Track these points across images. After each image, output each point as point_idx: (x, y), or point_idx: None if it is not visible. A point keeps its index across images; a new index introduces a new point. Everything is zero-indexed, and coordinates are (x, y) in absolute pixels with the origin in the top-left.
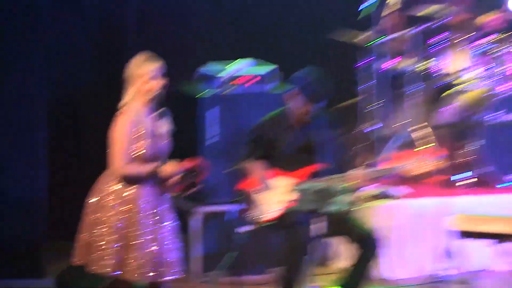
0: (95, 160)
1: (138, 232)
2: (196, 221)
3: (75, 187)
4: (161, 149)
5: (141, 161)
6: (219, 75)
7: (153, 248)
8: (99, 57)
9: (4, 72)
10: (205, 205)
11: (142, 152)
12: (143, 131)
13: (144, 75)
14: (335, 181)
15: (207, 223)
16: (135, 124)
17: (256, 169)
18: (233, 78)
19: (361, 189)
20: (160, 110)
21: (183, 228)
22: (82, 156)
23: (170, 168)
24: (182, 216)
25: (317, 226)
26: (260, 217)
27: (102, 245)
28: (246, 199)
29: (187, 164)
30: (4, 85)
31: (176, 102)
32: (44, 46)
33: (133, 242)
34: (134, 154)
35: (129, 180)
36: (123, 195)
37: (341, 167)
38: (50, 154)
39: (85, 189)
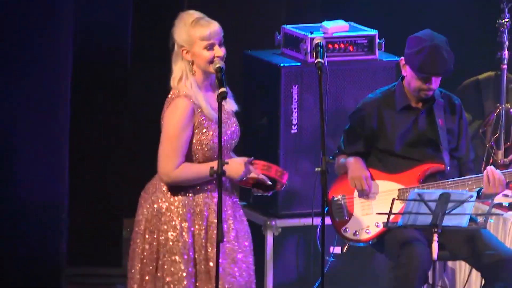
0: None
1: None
2: (269, 239)
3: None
4: (226, 141)
5: (201, 158)
6: (304, 40)
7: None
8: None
9: None
10: (282, 217)
11: (201, 146)
12: (202, 119)
13: (196, 42)
14: (461, 186)
15: (285, 241)
16: (191, 114)
17: (353, 169)
18: (323, 45)
19: (499, 196)
20: (221, 90)
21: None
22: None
23: (238, 167)
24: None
25: (436, 247)
26: (357, 234)
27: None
28: (338, 210)
29: (262, 166)
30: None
31: (247, 77)
32: None
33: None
34: (192, 151)
35: (182, 187)
36: (184, 208)
37: (472, 166)
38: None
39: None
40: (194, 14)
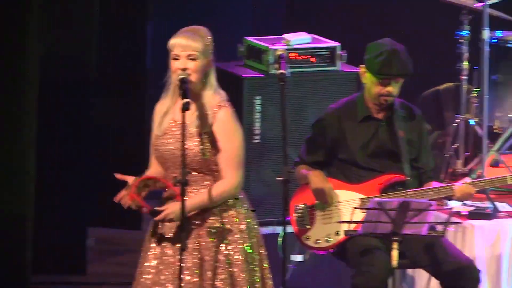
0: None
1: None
2: None
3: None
4: (170, 152)
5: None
6: (267, 52)
7: None
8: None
9: None
10: None
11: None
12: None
13: (169, 52)
14: (422, 196)
15: None
16: (154, 115)
17: (315, 181)
18: (285, 56)
19: (458, 204)
20: (184, 101)
21: None
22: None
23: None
24: None
25: (396, 255)
26: (318, 242)
27: None
28: (299, 219)
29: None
30: None
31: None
32: None
33: None
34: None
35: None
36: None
37: (432, 175)
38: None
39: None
40: (190, 27)
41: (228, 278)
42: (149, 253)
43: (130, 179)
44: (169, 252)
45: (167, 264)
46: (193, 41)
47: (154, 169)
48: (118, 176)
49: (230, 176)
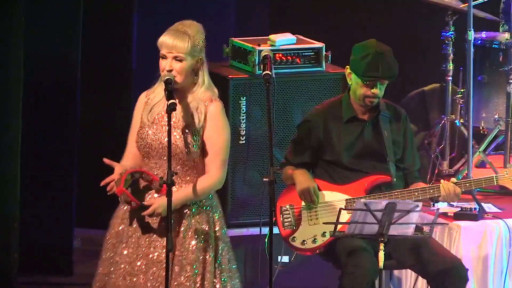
0: None
1: None
2: None
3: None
4: (156, 142)
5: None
6: (253, 53)
7: None
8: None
9: None
10: (230, 226)
11: (136, 139)
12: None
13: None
14: (408, 197)
15: (233, 251)
16: (139, 106)
17: (300, 181)
18: (270, 57)
19: (444, 205)
20: (170, 102)
21: None
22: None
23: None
24: None
25: (382, 256)
26: (304, 243)
27: None
28: (285, 220)
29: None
30: None
31: None
32: None
33: None
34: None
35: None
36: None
37: (418, 175)
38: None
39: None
40: (181, 22)
41: (192, 276)
42: (123, 245)
43: (116, 165)
44: (143, 244)
45: (142, 256)
46: (179, 42)
47: (129, 161)
48: (106, 161)
49: (215, 171)
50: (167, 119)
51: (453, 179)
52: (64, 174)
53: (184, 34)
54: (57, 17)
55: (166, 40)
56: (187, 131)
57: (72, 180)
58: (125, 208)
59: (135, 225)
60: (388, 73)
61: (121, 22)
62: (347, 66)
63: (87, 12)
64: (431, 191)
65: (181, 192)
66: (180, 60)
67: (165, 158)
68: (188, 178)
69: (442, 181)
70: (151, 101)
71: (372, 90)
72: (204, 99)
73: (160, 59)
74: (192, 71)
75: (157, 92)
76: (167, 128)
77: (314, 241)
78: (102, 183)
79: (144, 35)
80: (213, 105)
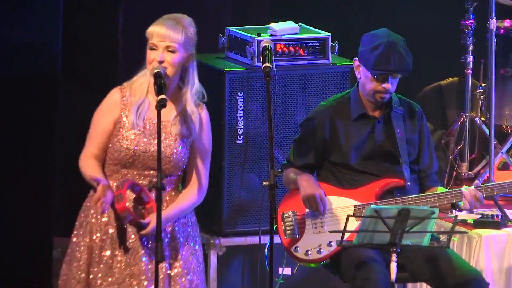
0: None
1: None
2: (213, 259)
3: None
4: (142, 152)
5: (108, 157)
6: (251, 43)
7: None
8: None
9: None
10: (227, 235)
11: (111, 144)
12: (124, 118)
13: (147, 40)
14: (423, 203)
15: (230, 261)
16: (113, 104)
17: (305, 187)
18: (271, 48)
19: (463, 212)
20: (160, 97)
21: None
22: None
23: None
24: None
25: (394, 268)
26: (308, 253)
27: None
28: (288, 228)
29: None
30: None
31: None
32: None
33: None
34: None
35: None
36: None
37: (436, 179)
38: None
39: None
40: (172, 15)
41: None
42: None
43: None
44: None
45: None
46: (173, 32)
47: (99, 171)
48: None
49: (202, 182)
50: (162, 124)
51: (476, 183)
52: (44, 181)
53: (178, 24)
54: (33, 3)
55: (158, 28)
56: (181, 140)
57: (52, 185)
58: (101, 220)
59: (119, 253)
60: (401, 66)
61: (107, 12)
62: (356, 58)
63: (70, 2)
64: (449, 196)
65: (173, 207)
66: (173, 51)
67: (151, 170)
68: (172, 186)
69: (464, 186)
70: (135, 102)
71: (383, 85)
72: (194, 105)
73: (149, 50)
74: (182, 67)
75: (136, 89)
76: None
77: (319, 251)
78: (93, 204)
79: (131, 26)
80: (204, 114)
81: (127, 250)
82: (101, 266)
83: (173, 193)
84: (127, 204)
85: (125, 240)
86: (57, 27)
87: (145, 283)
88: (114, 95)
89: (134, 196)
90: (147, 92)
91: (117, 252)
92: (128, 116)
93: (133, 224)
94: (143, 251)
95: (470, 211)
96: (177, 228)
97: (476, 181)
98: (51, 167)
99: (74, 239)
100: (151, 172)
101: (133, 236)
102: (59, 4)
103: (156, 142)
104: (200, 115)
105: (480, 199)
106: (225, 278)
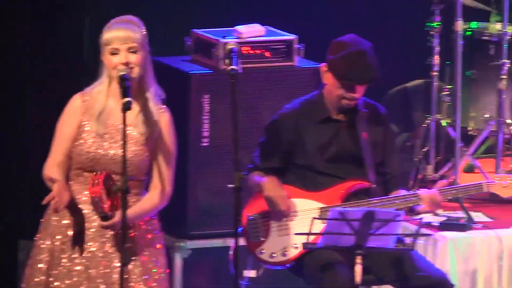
0: None
1: None
2: (178, 262)
3: None
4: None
5: (72, 163)
6: (217, 46)
7: None
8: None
9: None
10: (192, 238)
11: (74, 150)
12: (85, 123)
13: (104, 47)
14: (388, 205)
15: (195, 263)
16: (75, 111)
17: (268, 189)
18: (236, 50)
19: (428, 215)
20: (125, 100)
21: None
22: None
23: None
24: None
25: (359, 270)
26: (273, 256)
27: None
28: (253, 230)
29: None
30: None
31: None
32: None
33: None
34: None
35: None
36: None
37: (400, 182)
38: None
39: None
40: (121, 17)
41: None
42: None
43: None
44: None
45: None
46: (132, 32)
47: (62, 176)
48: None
49: (166, 186)
50: (121, 127)
51: (440, 184)
52: (9, 183)
53: (133, 25)
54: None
55: (116, 32)
56: (142, 142)
57: (18, 190)
58: (62, 223)
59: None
60: (369, 77)
61: (73, 19)
62: (324, 64)
63: (34, 4)
64: (414, 198)
65: (137, 208)
66: (135, 51)
67: (112, 174)
68: (134, 191)
69: (421, 189)
70: (96, 109)
71: (350, 93)
72: (156, 106)
73: (109, 56)
74: (145, 66)
75: (96, 95)
76: (120, 140)
77: (284, 254)
78: (45, 201)
79: (97, 33)
80: (167, 115)
81: (86, 253)
82: (60, 268)
83: (135, 199)
84: (101, 190)
85: (85, 243)
86: (25, 28)
87: (102, 286)
88: (75, 101)
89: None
90: (107, 97)
91: (76, 255)
92: (90, 122)
93: (99, 212)
94: (102, 255)
95: (429, 214)
96: (138, 233)
97: (440, 182)
98: (18, 170)
99: (37, 242)
100: (113, 176)
101: (92, 238)
102: (25, 7)
103: (116, 145)
104: (162, 117)
105: (438, 202)
106: (190, 281)
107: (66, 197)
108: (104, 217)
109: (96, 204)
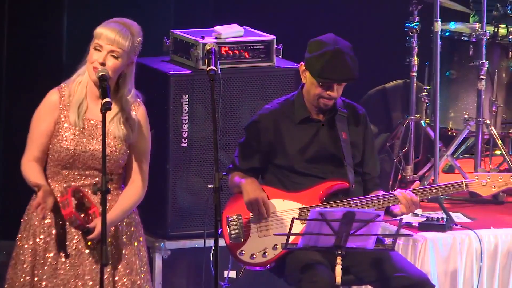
0: None
1: None
2: (158, 262)
3: None
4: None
5: (48, 159)
6: (196, 46)
7: None
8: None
9: None
10: (171, 238)
11: (51, 145)
12: (63, 118)
13: (93, 39)
14: (368, 205)
15: (175, 264)
16: (52, 106)
17: (248, 191)
18: (215, 51)
19: (409, 216)
20: (105, 100)
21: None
22: None
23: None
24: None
25: (339, 270)
26: (253, 257)
27: None
28: (233, 231)
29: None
30: None
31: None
32: None
33: None
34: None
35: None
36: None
37: (378, 182)
38: None
39: None
40: (124, 20)
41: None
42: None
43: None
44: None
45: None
46: (122, 38)
47: (40, 174)
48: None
49: (143, 180)
50: (100, 124)
51: (417, 184)
52: None
53: (128, 31)
54: None
55: (107, 31)
56: (119, 138)
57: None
58: (44, 222)
59: (63, 255)
60: (346, 75)
61: (51, 13)
62: (302, 63)
63: (13, 4)
64: (394, 198)
65: (117, 208)
66: (116, 57)
67: (91, 170)
68: (116, 192)
69: (398, 190)
70: (74, 101)
71: (328, 92)
72: (131, 104)
73: (92, 49)
74: (120, 72)
75: (75, 89)
76: (98, 136)
77: (264, 254)
78: (33, 209)
79: (75, 29)
80: (141, 111)
81: (72, 251)
82: (46, 268)
83: (115, 193)
84: (73, 209)
85: (69, 241)
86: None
87: (90, 283)
88: (53, 96)
89: (75, 202)
90: (86, 92)
91: (61, 254)
92: (67, 117)
93: (80, 229)
94: (87, 252)
95: (413, 214)
96: (120, 228)
97: (417, 182)
98: None
99: (18, 242)
100: (92, 171)
101: (76, 237)
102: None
103: (95, 141)
104: (137, 110)
105: (414, 202)
106: (170, 281)
107: (51, 202)
108: (87, 231)
109: (74, 223)
